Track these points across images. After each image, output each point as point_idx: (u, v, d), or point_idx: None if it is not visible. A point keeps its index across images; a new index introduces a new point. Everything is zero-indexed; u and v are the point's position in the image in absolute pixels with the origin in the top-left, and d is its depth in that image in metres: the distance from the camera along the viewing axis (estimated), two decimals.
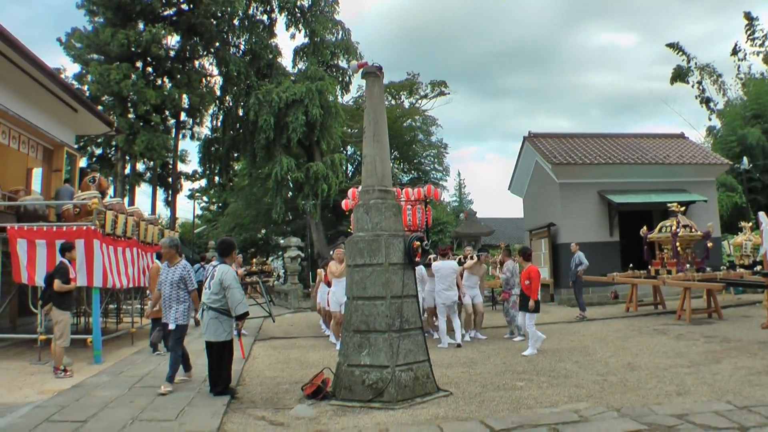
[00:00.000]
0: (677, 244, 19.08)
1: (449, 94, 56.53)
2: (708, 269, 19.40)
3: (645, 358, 11.71)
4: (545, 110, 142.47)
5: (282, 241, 54.06)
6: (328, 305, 15.21)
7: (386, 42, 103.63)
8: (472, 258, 15.85)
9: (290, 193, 39.64)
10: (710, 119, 45.15)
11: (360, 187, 9.66)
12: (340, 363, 9.07)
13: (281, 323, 19.82)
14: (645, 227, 21.32)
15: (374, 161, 9.43)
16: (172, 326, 9.65)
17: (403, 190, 17.99)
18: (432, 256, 15.49)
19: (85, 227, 12.62)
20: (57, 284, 10.95)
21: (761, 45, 43.85)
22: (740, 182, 33.75)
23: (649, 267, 20.73)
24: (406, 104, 55.52)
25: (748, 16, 44.33)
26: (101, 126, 21.25)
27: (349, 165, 50.14)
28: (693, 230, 19.47)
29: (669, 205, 20.79)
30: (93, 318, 12.93)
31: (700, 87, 46.36)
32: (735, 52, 45.39)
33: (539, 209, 28.60)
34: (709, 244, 19.74)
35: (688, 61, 46.19)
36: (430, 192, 18.02)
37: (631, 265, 21.72)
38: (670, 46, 46.62)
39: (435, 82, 55.60)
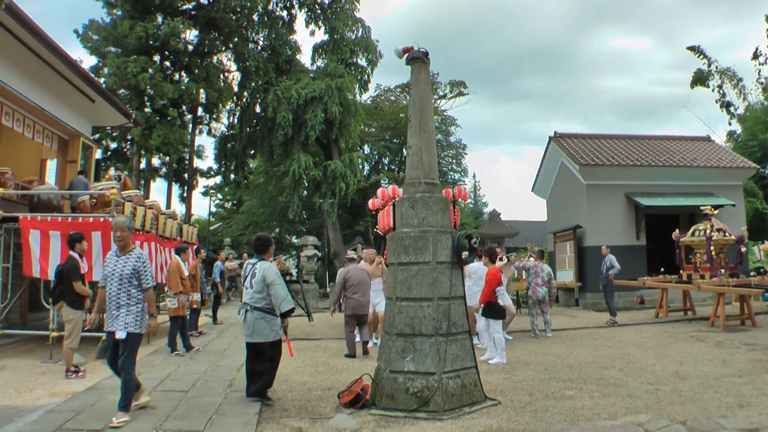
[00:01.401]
0: (711, 248, 18.41)
1: (468, 94, 56.10)
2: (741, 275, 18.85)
3: (691, 366, 11.19)
4: (559, 114, 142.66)
5: (296, 240, 53.84)
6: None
7: (404, 41, 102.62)
8: (501, 259, 15.29)
9: (305, 192, 39.29)
10: (730, 123, 44.34)
11: (404, 180, 8.98)
12: (380, 368, 8.42)
13: (302, 324, 19.18)
14: (677, 230, 20.86)
15: (420, 152, 8.79)
16: (121, 335, 7.67)
17: None
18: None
19: (102, 219, 12.04)
20: (78, 286, 10.31)
21: None
22: (761, 188, 33.07)
23: (681, 272, 20.27)
24: None
25: None
26: (119, 117, 20.66)
27: (365, 164, 49.65)
28: (727, 234, 18.77)
29: (702, 208, 20.12)
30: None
31: (721, 91, 45.40)
32: (756, 56, 44.26)
33: (564, 211, 27.92)
34: (743, 249, 19.18)
35: (709, 65, 45.38)
36: (460, 193, 17.14)
37: (662, 269, 21.04)
38: (691, 49, 45.81)
39: (454, 82, 55.03)
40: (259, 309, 8.36)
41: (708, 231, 18.56)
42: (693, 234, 19.41)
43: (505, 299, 14.30)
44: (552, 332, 16.10)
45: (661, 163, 26.10)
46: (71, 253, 10.62)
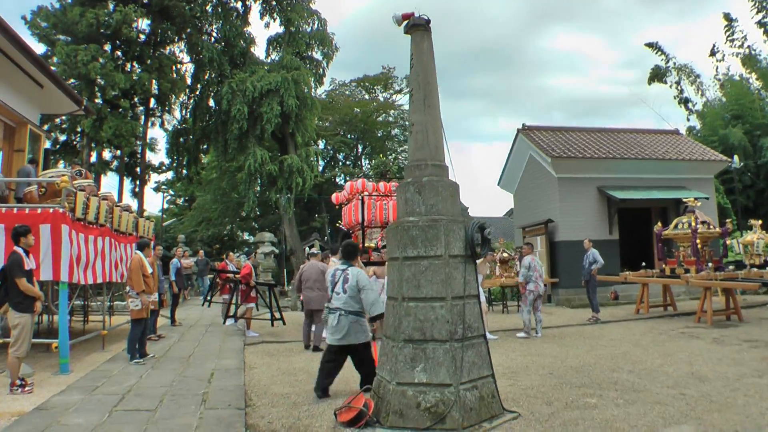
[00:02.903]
0: (697, 241, 17.77)
1: None
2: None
3: (702, 366, 10.40)
4: (507, 112, 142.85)
5: (249, 238, 52.62)
6: None
7: (355, 38, 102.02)
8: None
9: (258, 188, 38.74)
10: (688, 119, 44.48)
11: (408, 163, 7.82)
12: (383, 381, 7.21)
13: (265, 324, 17.98)
14: (660, 223, 20.50)
15: (425, 130, 7.62)
16: None
17: (390, 184, 16.75)
18: None
19: (52, 210, 10.51)
20: (22, 284, 8.86)
21: (740, 46, 43.06)
22: (721, 183, 32.84)
23: (664, 266, 19.55)
24: (381, 99, 53.95)
25: (728, 17, 43.56)
26: (69, 104, 19.00)
27: (320, 160, 48.78)
28: (711, 227, 18.25)
29: (685, 200, 19.78)
30: (60, 319, 10.65)
31: (679, 87, 45.38)
32: (713, 53, 44.59)
33: (534, 205, 27.05)
34: (728, 242, 18.84)
35: (667, 61, 45.33)
36: None
37: (643, 263, 20.48)
38: (649, 45, 45.71)
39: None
40: (352, 313, 8.49)
41: (693, 223, 17.90)
42: (676, 227, 18.79)
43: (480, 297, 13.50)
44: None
45: (634, 156, 25.40)
46: (15, 248, 9.17)
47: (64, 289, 10.65)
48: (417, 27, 7.85)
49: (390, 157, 52.21)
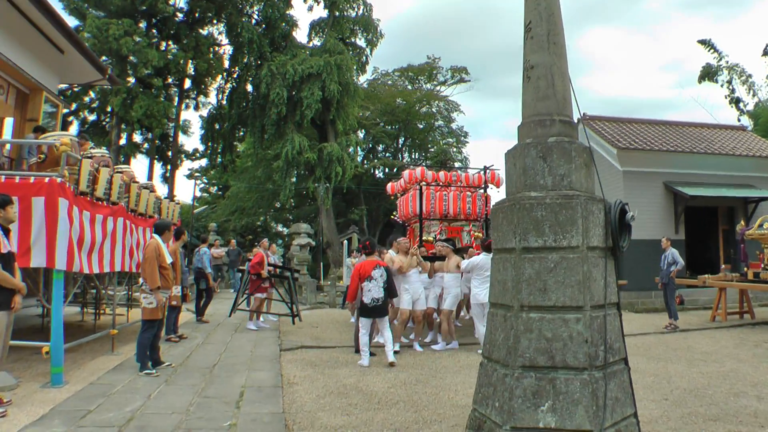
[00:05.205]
0: None
1: (470, 81, 53.06)
2: None
3: None
4: None
5: (282, 229, 50.96)
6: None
7: (393, 33, 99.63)
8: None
9: (294, 178, 36.77)
10: (739, 120, 42.36)
11: (523, 118, 5.67)
12: (487, 421, 5.07)
13: (302, 323, 16.01)
14: (743, 222, 18.91)
15: (551, 74, 5.49)
16: None
17: (462, 174, 15.72)
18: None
19: (48, 179, 8.35)
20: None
21: None
22: None
23: (746, 269, 17.75)
24: (424, 89, 51.88)
25: None
26: (92, 73, 17.00)
27: (360, 150, 47.20)
28: None
29: None
30: (53, 318, 8.51)
31: (730, 87, 43.43)
32: (766, 52, 42.48)
33: None
34: None
35: (719, 59, 43.25)
36: (494, 178, 15.52)
37: (723, 266, 18.60)
38: (702, 42, 43.64)
39: (455, 68, 52.02)
40: None
41: None
42: (761, 226, 16.83)
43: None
44: None
45: (703, 151, 23.31)
46: None
47: (59, 280, 8.53)
48: None
49: (431, 150, 50.14)
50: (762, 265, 16.87)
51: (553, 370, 4.83)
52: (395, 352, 11.07)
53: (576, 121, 5.74)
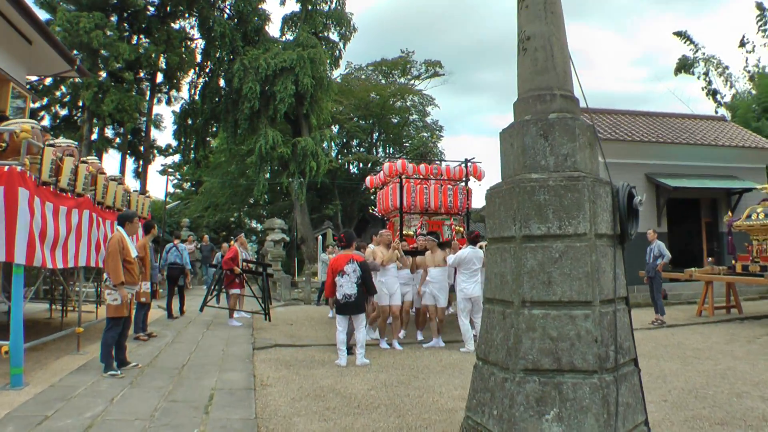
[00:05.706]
0: None
1: (444, 75, 52.46)
2: None
3: None
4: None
5: (256, 225, 50.53)
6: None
7: (366, 27, 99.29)
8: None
9: (268, 173, 36.78)
10: (716, 112, 42.33)
11: (519, 94, 5.17)
12: (484, 431, 4.61)
13: (276, 320, 15.53)
14: (730, 213, 18.45)
15: (549, 45, 5.04)
16: None
17: (444, 167, 15.63)
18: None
19: (6, 168, 7.78)
20: None
21: None
22: None
23: (734, 262, 17.28)
24: (398, 84, 51.47)
25: (760, 6, 41.56)
26: (61, 63, 16.91)
27: (334, 145, 47.24)
28: None
29: (760, 187, 17.67)
30: (12, 315, 7.99)
31: (707, 78, 43.74)
32: (743, 44, 42.75)
33: None
34: None
35: (695, 51, 43.66)
36: (476, 170, 15.37)
37: (710, 258, 18.82)
38: (678, 34, 44.02)
39: (429, 62, 51.58)
40: None
41: None
42: (749, 217, 16.33)
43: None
44: None
45: (685, 141, 23.10)
46: None
47: (19, 275, 7.96)
48: None
49: (405, 145, 49.78)
50: (751, 258, 16.48)
51: (559, 373, 4.38)
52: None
53: (577, 97, 5.26)
